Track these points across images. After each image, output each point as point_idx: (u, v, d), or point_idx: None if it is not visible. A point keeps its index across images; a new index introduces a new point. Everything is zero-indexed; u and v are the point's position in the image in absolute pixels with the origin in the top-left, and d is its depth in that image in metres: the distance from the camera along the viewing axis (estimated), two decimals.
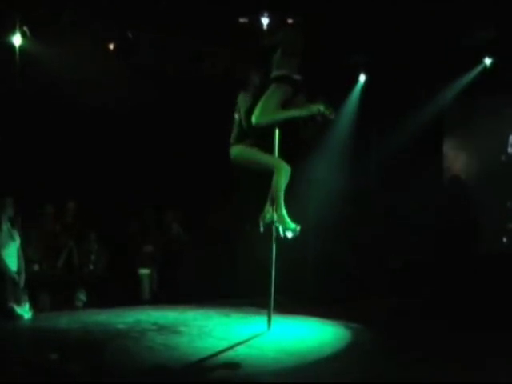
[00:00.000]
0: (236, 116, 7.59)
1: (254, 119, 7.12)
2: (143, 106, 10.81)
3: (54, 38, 9.56)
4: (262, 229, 7.51)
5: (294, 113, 7.19)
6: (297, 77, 7.19)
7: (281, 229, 7.42)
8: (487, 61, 10.98)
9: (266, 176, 7.42)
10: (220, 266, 11.15)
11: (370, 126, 12.27)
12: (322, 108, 7.02)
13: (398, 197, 11.63)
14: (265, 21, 9.26)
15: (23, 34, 9.43)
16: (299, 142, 8.17)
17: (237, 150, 7.48)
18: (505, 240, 11.26)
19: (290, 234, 7.38)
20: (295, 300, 10.03)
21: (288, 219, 7.37)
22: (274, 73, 7.22)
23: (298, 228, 7.36)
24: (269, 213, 7.46)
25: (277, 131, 7.51)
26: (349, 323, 8.52)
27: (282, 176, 7.24)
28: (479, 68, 11.11)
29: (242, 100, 7.53)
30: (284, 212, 7.35)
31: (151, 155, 11.25)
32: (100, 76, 9.99)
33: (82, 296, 9.96)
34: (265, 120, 7.13)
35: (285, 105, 7.19)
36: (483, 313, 9.17)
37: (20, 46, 9.49)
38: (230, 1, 9.29)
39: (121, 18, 9.85)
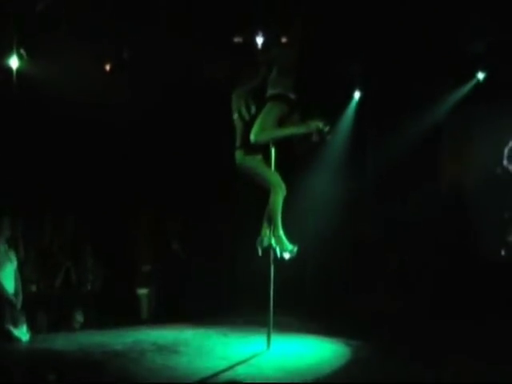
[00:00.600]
0: (235, 116, 7.59)
1: (252, 137, 7.16)
2: (142, 117, 10.84)
3: (51, 59, 9.59)
4: (260, 253, 7.52)
5: (292, 130, 7.22)
6: (292, 95, 7.23)
7: (278, 250, 7.42)
8: (480, 75, 11.01)
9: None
10: (220, 281, 11.15)
11: (366, 136, 12.28)
12: (320, 125, 7.05)
13: (396, 208, 11.67)
14: (259, 39, 9.26)
15: (20, 57, 9.46)
16: (293, 158, 8.20)
17: (241, 156, 7.49)
18: (503, 253, 11.29)
19: (287, 255, 7.39)
20: (294, 313, 10.04)
21: (285, 240, 7.37)
22: (270, 91, 7.26)
23: (296, 249, 7.37)
24: (266, 236, 7.47)
25: (272, 149, 7.53)
26: (348, 340, 8.51)
27: (280, 196, 7.26)
28: (472, 82, 11.15)
29: (236, 98, 7.56)
30: (281, 233, 7.36)
31: (151, 166, 11.26)
32: (97, 87, 10.03)
33: (79, 317, 9.89)
34: (263, 137, 7.17)
35: (280, 123, 7.22)
36: (483, 326, 9.18)
37: (17, 68, 9.53)
38: (229, 14, 9.32)
39: (117, 33, 9.91)
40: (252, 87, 7.60)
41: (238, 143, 7.53)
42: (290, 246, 7.33)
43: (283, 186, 7.36)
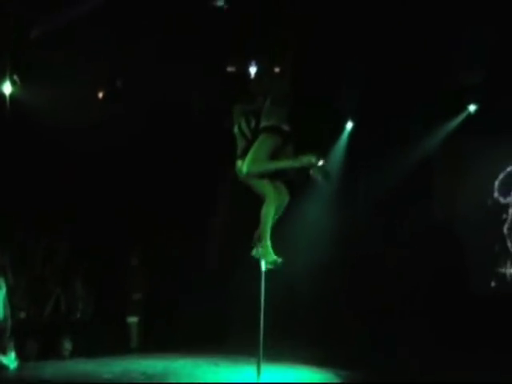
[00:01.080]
0: (235, 130, 7.56)
1: (244, 168, 7.13)
2: (133, 147, 10.87)
3: (44, 85, 9.62)
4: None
5: (284, 163, 7.18)
6: (285, 127, 7.20)
7: (263, 262, 7.30)
8: (472, 107, 11.12)
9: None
10: (210, 309, 11.13)
11: (358, 166, 12.34)
12: (313, 160, 7.02)
13: (387, 240, 11.71)
14: (252, 69, 9.29)
15: (13, 83, 9.50)
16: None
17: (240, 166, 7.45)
18: (493, 284, 11.33)
19: (269, 266, 7.25)
20: (286, 341, 10.01)
21: (271, 251, 7.22)
22: (263, 123, 7.21)
23: (279, 260, 7.24)
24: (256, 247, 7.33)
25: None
26: (338, 370, 8.48)
27: (271, 207, 7.14)
28: (464, 115, 11.25)
29: (236, 112, 7.53)
30: (268, 243, 7.22)
31: (145, 193, 11.28)
32: (90, 114, 10.06)
33: (68, 344, 9.82)
34: (255, 169, 7.13)
35: (273, 155, 7.19)
36: (475, 358, 9.19)
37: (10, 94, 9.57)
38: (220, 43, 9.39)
39: (110, 63, 9.97)
40: (250, 109, 7.58)
41: (238, 153, 7.49)
42: (273, 258, 7.21)
43: (279, 197, 7.23)
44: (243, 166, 7.11)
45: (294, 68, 7.64)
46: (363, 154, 11.92)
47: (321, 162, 7.05)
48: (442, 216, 11.90)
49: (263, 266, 7.30)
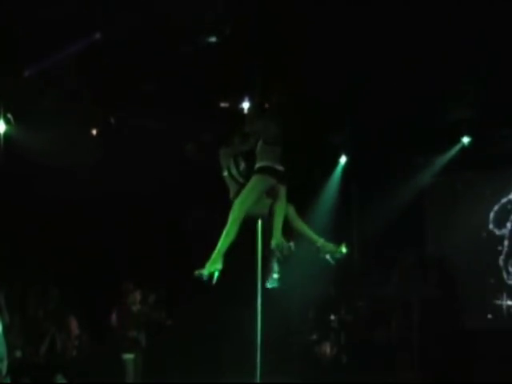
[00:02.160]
0: (225, 173, 7.55)
1: (232, 210, 7.13)
2: (126, 191, 10.88)
3: (37, 125, 9.64)
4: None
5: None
6: (279, 167, 7.20)
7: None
8: (465, 140, 11.16)
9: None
10: (206, 347, 11.08)
11: (352, 201, 12.36)
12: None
13: (382, 277, 11.69)
14: (245, 105, 9.30)
15: (7, 122, 9.52)
16: None
17: None
18: (490, 316, 11.32)
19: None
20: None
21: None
22: (257, 164, 7.22)
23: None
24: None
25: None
26: None
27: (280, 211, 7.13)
28: (457, 147, 11.29)
29: (224, 156, 7.53)
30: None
31: (138, 235, 11.28)
32: (84, 151, 10.06)
33: (61, 381, 9.75)
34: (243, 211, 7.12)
35: (267, 194, 7.18)
36: None
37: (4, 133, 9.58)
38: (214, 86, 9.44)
39: (104, 103, 10.00)
40: (240, 151, 7.57)
41: (231, 195, 7.48)
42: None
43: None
44: (232, 209, 7.10)
45: (285, 108, 7.67)
46: (356, 188, 11.97)
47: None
48: (436, 248, 11.91)
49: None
